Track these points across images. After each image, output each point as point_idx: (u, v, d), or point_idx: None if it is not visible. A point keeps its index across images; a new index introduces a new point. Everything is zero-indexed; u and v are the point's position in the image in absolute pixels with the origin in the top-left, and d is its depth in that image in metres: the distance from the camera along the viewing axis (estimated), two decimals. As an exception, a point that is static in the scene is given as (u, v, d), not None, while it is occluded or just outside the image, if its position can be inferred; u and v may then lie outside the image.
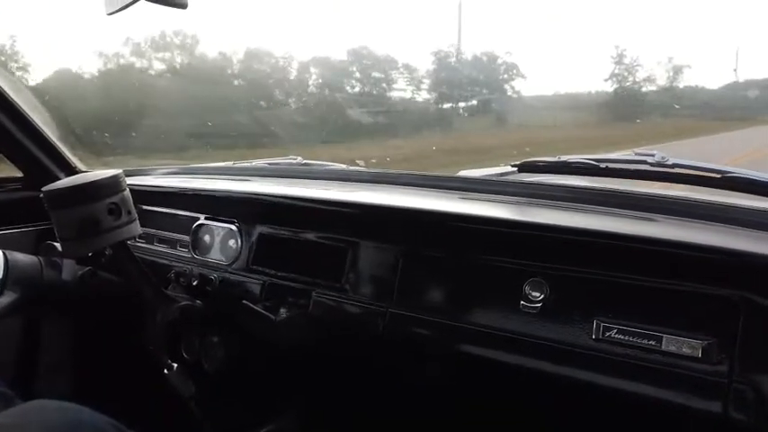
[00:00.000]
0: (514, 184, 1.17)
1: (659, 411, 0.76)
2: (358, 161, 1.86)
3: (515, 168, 1.20)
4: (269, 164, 1.61)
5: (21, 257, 1.14)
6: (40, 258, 1.17)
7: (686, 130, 8.13)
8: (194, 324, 1.19)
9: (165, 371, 1.14)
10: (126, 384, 1.42)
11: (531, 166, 1.16)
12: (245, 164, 1.65)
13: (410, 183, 1.28)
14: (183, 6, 0.83)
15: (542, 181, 1.17)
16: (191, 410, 1.17)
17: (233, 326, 1.16)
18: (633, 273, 0.80)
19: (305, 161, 1.61)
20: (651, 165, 1.03)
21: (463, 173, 1.33)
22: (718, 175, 0.97)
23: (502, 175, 1.24)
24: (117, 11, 0.85)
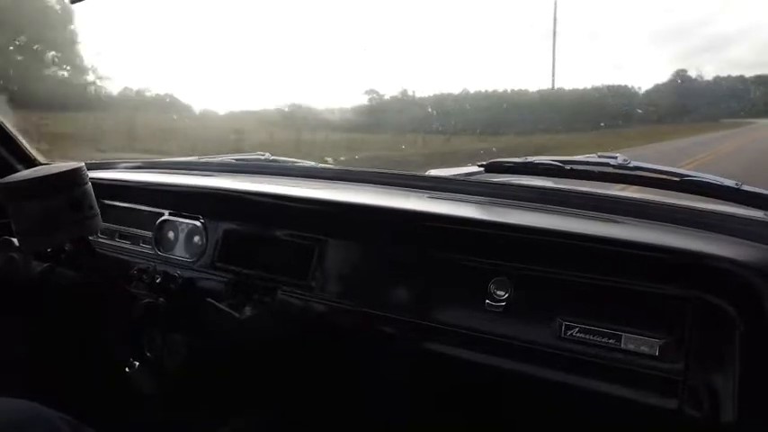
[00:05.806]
0: (481, 183, 1.18)
1: (619, 408, 0.78)
2: (326, 158, 1.85)
3: (482, 168, 1.21)
4: (236, 159, 1.59)
5: None
6: None
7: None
8: (157, 322, 1.18)
9: (127, 369, 1.12)
10: (86, 383, 1.39)
11: (498, 166, 1.18)
12: (211, 159, 1.63)
13: (378, 181, 1.28)
14: None
15: (508, 181, 1.19)
16: (152, 409, 1.15)
17: (196, 324, 1.14)
18: (594, 272, 0.82)
19: (273, 157, 1.60)
20: (614, 167, 1.05)
21: (431, 172, 1.34)
22: (677, 178, 1.00)
23: (469, 174, 1.25)
24: None
